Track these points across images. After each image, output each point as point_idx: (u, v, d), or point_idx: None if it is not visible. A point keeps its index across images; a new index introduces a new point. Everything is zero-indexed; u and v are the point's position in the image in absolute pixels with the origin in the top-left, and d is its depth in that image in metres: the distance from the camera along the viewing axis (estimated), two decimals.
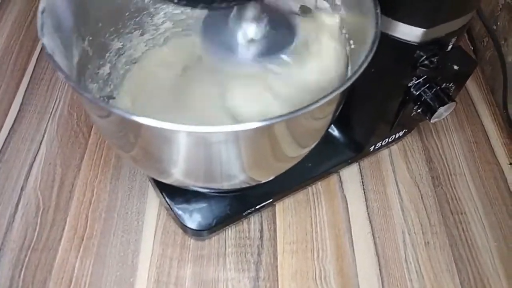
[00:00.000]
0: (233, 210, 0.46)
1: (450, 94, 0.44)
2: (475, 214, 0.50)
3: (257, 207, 0.47)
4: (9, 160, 0.52)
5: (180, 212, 0.45)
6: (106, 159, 0.53)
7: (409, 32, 0.37)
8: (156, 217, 0.48)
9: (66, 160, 0.52)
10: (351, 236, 0.48)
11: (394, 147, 0.56)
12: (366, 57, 0.30)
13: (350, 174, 0.53)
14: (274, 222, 0.49)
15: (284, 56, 0.39)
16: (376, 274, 0.46)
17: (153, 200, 0.50)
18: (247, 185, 0.40)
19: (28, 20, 0.67)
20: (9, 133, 0.54)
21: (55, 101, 0.58)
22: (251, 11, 0.36)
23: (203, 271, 0.45)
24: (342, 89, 0.29)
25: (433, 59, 0.39)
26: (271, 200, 0.48)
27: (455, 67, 0.42)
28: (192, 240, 0.47)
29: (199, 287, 0.44)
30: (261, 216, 0.49)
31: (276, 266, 0.46)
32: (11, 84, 0.59)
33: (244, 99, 0.42)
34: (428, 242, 0.48)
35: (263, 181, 0.40)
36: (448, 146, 0.56)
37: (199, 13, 0.40)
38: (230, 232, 0.48)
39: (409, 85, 0.42)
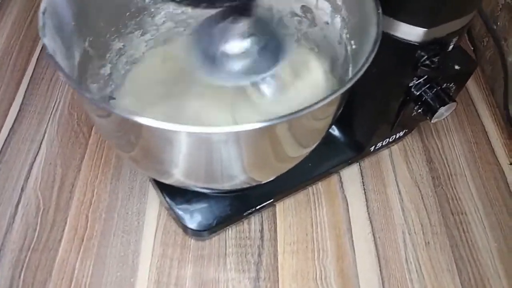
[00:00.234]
0: (233, 210, 0.46)
1: (451, 94, 0.44)
2: (476, 214, 0.50)
3: (258, 207, 0.47)
4: (9, 160, 0.52)
5: (180, 212, 0.45)
6: (106, 159, 0.52)
7: (410, 32, 0.37)
8: (157, 217, 0.48)
9: (67, 160, 0.52)
10: (352, 236, 0.48)
11: (395, 147, 0.56)
12: (368, 57, 0.30)
13: (350, 174, 0.53)
14: (275, 222, 0.49)
15: (267, 77, 0.39)
16: (376, 274, 0.46)
17: (154, 200, 0.49)
18: (248, 186, 0.40)
19: (28, 20, 0.67)
20: (9, 134, 0.54)
21: (55, 101, 0.58)
22: (239, 27, 0.35)
23: (203, 272, 0.45)
24: (344, 89, 0.29)
25: (434, 59, 0.39)
26: (271, 200, 0.48)
27: (456, 67, 0.42)
28: (192, 240, 0.47)
29: (200, 287, 0.44)
30: (262, 216, 0.49)
31: (277, 267, 0.46)
32: (11, 84, 0.59)
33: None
34: (428, 242, 0.48)
35: (264, 182, 0.40)
36: (449, 146, 0.56)
37: (200, 13, 0.40)
38: (231, 233, 0.48)
39: (410, 85, 0.42)
